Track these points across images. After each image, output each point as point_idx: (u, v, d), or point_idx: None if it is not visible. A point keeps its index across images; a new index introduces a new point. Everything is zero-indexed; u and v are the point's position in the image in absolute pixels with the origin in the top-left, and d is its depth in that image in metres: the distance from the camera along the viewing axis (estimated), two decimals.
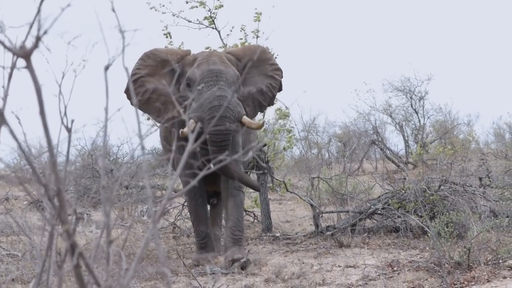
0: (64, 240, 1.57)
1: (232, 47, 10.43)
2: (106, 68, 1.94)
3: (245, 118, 7.75)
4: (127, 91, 8.18)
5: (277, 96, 8.84)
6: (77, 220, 2.44)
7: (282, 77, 8.67)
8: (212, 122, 7.17)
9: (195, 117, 7.49)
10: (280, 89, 8.72)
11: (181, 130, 7.29)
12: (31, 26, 1.55)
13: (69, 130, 2.38)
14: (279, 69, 8.66)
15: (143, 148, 2.09)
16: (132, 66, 8.22)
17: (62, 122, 2.38)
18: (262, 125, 8.07)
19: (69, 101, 2.47)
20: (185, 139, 6.50)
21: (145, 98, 8.06)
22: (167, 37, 10.67)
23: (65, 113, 2.41)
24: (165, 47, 10.43)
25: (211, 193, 9.07)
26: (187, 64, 8.04)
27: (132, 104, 7.89)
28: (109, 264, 1.91)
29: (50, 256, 2.23)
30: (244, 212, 9.79)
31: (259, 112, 8.95)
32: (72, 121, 2.44)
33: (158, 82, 8.02)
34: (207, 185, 8.38)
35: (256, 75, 8.45)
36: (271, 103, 8.71)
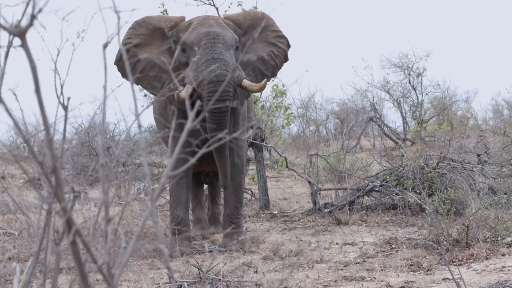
0: (61, 217, 1.58)
1: None
2: (105, 46, 1.92)
3: (246, 82, 7.28)
4: (117, 63, 7.66)
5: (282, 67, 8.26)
6: (74, 198, 2.44)
7: (288, 45, 8.12)
8: (211, 99, 6.79)
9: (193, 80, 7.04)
10: (286, 59, 8.16)
11: (176, 92, 6.83)
12: (27, 5, 1.54)
13: (65, 108, 2.39)
14: (283, 37, 8.10)
15: (139, 126, 2.08)
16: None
17: (59, 100, 2.41)
18: (264, 86, 7.48)
19: (67, 77, 2.44)
20: (184, 116, 6.01)
21: (138, 70, 7.53)
22: (164, 14, 10.52)
23: (61, 92, 2.41)
24: None
25: (207, 172, 8.86)
26: (181, 30, 7.57)
27: (123, 77, 7.64)
28: (107, 242, 1.89)
29: (48, 234, 2.25)
30: None
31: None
32: (69, 98, 2.43)
33: (150, 52, 7.53)
34: (202, 164, 7.96)
35: (256, 41, 7.90)
36: (274, 73, 8.15)
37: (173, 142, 6.99)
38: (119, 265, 1.82)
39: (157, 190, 1.85)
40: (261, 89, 7.64)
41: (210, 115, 7.05)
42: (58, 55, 2.63)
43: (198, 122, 1.86)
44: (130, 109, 2.19)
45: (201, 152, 2.11)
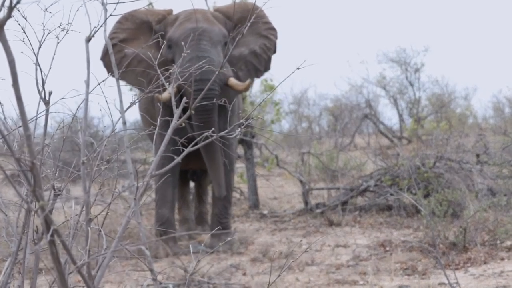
0: (39, 216, 1.54)
1: None
2: (88, 40, 1.97)
3: (232, 80, 7.15)
4: (103, 58, 7.54)
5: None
6: (55, 196, 2.51)
7: (277, 37, 7.92)
8: (196, 99, 6.53)
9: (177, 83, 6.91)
10: (275, 52, 7.97)
11: (156, 95, 6.46)
12: None
13: (47, 103, 2.48)
14: (274, 29, 7.89)
15: (124, 123, 2.14)
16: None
17: (40, 95, 2.51)
18: (249, 85, 7.34)
19: (50, 71, 2.54)
20: (171, 113, 5.69)
21: (123, 65, 7.10)
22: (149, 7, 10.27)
23: (43, 86, 2.51)
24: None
25: (194, 170, 8.76)
26: (169, 24, 7.43)
27: (109, 72, 7.41)
28: (88, 243, 1.93)
29: (27, 233, 2.31)
30: None
31: (254, 78, 8.32)
32: (50, 93, 2.56)
33: (137, 47, 7.24)
34: (190, 162, 7.80)
35: (248, 34, 7.59)
36: (267, 67, 7.96)
37: (158, 140, 6.71)
38: (101, 266, 1.87)
39: (140, 188, 1.92)
40: (246, 89, 7.44)
41: (196, 114, 6.87)
42: (40, 47, 2.66)
43: (183, 120, 1.91)
44: (116, 104, 2.33)
45: (187, 151, 2.18)
